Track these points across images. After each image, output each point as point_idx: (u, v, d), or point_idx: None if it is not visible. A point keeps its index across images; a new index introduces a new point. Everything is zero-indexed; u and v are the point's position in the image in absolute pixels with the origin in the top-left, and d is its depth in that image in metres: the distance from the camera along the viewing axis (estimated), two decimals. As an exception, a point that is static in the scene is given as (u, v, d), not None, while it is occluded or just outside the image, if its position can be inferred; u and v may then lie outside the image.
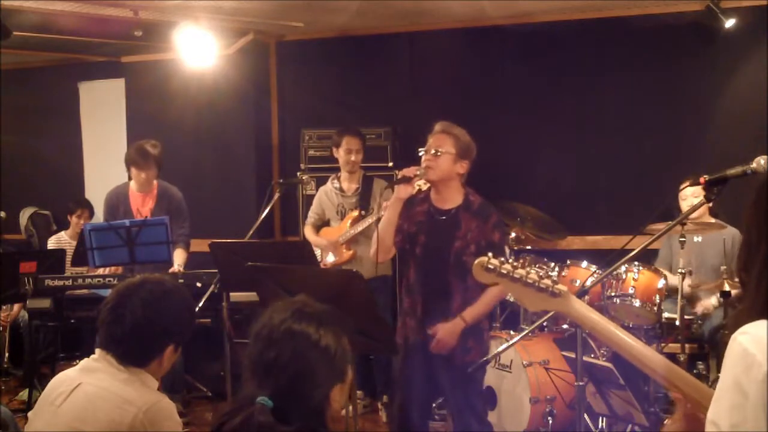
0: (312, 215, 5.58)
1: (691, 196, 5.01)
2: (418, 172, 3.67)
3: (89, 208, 6.85)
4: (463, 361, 3.68)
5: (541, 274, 1.69)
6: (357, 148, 5.43)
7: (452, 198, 3.76)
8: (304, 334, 1.76)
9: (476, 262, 1.72)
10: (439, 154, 3.66)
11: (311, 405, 1.73)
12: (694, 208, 3.18)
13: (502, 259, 1.71)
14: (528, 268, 1.69)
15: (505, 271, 1.69)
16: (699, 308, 5.10)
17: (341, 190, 5.51)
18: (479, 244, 3.64)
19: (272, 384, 1.74)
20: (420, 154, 3.74)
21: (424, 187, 3.75)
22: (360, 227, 5.23)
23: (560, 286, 1.69)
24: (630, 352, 1.67)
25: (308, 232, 5.56)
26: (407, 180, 3.68)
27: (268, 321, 1.80)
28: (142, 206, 5.48)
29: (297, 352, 1.74)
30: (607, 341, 1.72)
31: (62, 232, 6.83)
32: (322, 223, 5.58)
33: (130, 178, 5.50)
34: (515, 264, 1.70)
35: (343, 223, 5.41)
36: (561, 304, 1.70)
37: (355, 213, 5.37)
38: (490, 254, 1.74)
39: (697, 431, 1.65)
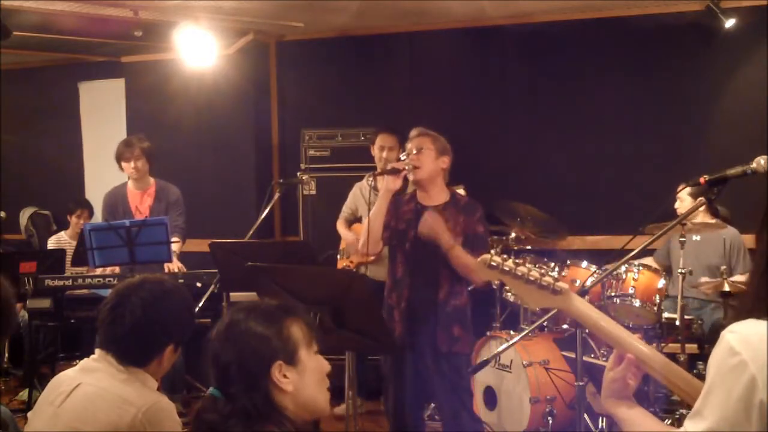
0: (345, 210, 5.56)
1: (688, 196, 5.01)
2: (407, 167, 3.77)
3: (89, 208, 6.85)
4: (450, 351, 3.74)
5: (542, 271, 1.72)
6: (391, 146, 5.37)
7: (438, 196, 3.86)
8: (232, 323, 1.87)
9: (479, 259, 1.74)
10: (420, 150, 3.78)
11: (250, 386, 1.80)
12: (694, 208, 3.17)
13: (504, 256, 1.74)
14: (530, 266, 1.72)
15: (507, 268, 1.70)
16: (701, 288, 5.06)
17: (376, 188, 5.49)
18: (466, 236, 3.76)
19: (217, 375, 1.85)
20: (402, 158, 3.87)
21: (410, 177, 3.81)
22: None
23: (561, 284, 1.71)
24: (630, 351, 1.68)
25: (340, 225, 5.53)
26: (396, 172, 3.79)
27: (214, 328, 1.92)
28: (141, 204, 5.49)
29: (227, 340, 1.85)
30: (608, 339, 1.73)
31: (62, 232, 6.83)
32: (354, 219, 5.56)
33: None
34: (517, 261, 1.72)
35: None
36: (562, 302, 1.72)
37: None
38: (492, 252, 1.79)
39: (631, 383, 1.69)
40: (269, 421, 1.78)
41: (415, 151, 3.78)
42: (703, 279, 5.02)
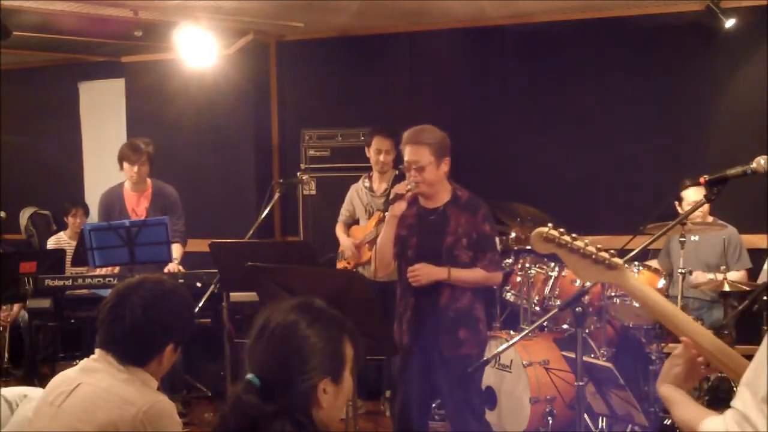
0: (343, 212, 5.56)
1: (692, 198, 5.00)
2: (408, 187, 3.71)
3: (83, 207, 6.86)
4: (456, 354, 3.70)
5: (598, 246, 1.75)
6: (387, 149, 5.36)
7: (440, 196, 3.80)
8: (295, 323, 1.82)
9: (535, 231, 1.77)
10: (421, 167, 3.68)
11: (294, 392, 1.77)
12: (694, 208, 3.18)
13: (561, 230, 1.77)
14: (586, 241, 1.75)
15: (564, 242, 1.75)
16: (693, 281, 5.06)
17: (371, 189, 5.48)
18: (470, 237, 3.71)
19: (261, 366, 1.80)
20: (401, 168, 3.80)
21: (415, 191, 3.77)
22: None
23: (616, 260, 1.75)
24: (679, 327, 1.72)
25: (338, 229, 5.54)
26: (400, 197, 3.72)
27: (269, 312, 1.87)
28: (137, 206, 5.49)
29: (284, 339, 1.80)
30: (659, 317, 1.76)
31: (61, 233, 6.84)
32: (353, 221, 5.56)
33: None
34: (574, 236, 1.76)
35: (369, 223, 5.39)
36: (616, 277, 1.75)
37: (380, 214, 5.33)
38: (549, 224, 1.80)
39: (694, 374, 1.73)
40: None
41: (414, 167, 3.69)
42: (696, 273, 5.01)
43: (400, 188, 3.74)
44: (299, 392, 1.77)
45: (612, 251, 1.77)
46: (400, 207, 3.74)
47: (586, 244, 1.74)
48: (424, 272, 3.69)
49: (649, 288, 1.78)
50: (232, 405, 1.78)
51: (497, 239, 3.86)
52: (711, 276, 4.98)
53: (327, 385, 1.80)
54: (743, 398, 1.41)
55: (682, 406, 1.66)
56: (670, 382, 1.72)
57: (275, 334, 1.81)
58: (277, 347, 1.80)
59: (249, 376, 1.79)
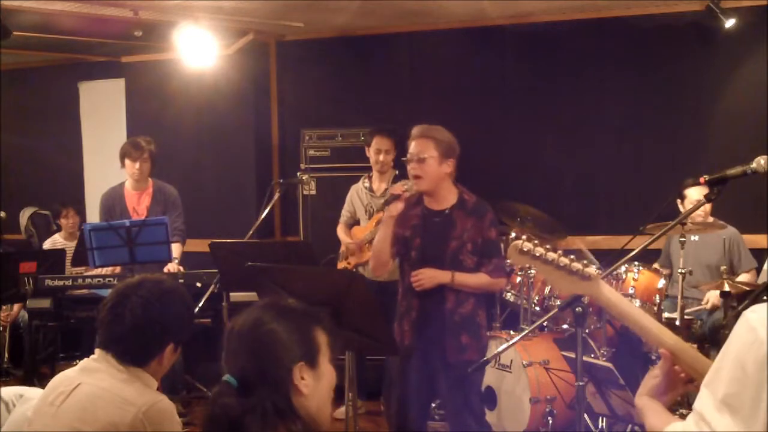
0: (344, 213, 5.55)
1: (695, 197, 5.00)
2: (405, 187, 3.69)
3: (74, 206, 6.85)
4: (458, 360, 3.68)
5: (572, 257, 1.75)
6: (387, 149, 5.36)
7: (445, 198, 3.76)
8: (259, 318, 1.87)
9: (511, 245, 1.77)
10: (422, 159, 3.65)
11: (270, 380, 1.80)
12: (695, 208, 3.18)
13: (536, 242, 1.77)
14: (559, 252, 1.75)
15: (538, 254, 1.74)
16: (705, 300, 5.08)
17: (371, 190, 5.47)
18: (475, 243, 3.68)
19: (235, 365, 1.84)
20: (404, 160, 3.76)
21: (414, 188, 3.74)
22: None
23: (590, 270, 1.74)
24: (657, 340, 1.70)
25: (339, 230, 5.54)
26: (397, 197, 3.70)
27: (237, 318, 1.93)
28: (138, 205, 5.49)
29: (252, 338, 1.85)
30: (634, 328, 1.74)
31: (56, 235, 6.83)
32: (354, 222, 5.56)
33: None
34: (548, 247, 1.76)
35: (369, 223, 5.39)
36: (590, 288, 1.75)
37: (380, 214, 5.33)
38: (524, 237, 1.79)
39: (674, 388, 1.72)
40: (284, 421, 1.78)
41: (416, 158, 3.66)
42: (704, 285, 5.01)
43: (396, 188, 3.72)
44: (275, 379, 1.80)
45: (585, 263, 1.76)
46: (396, 207, 3.70)
47: (560, 255, 1.73)
48: (427, 276, 3.66)
49: (624, 300, 1.77)
50: (211, 408, 1.81)
51: (502, 245, 3.85)
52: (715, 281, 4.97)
53: (303, 370, 1.82)
54: (703, 398, 1.42)
55: (653, 414, 1.66)
56: (646, 393, 1.72)
57: (243, 333, 1.85)
58: (247, 343, 1.84)
59: (225, 377, 1.82)
